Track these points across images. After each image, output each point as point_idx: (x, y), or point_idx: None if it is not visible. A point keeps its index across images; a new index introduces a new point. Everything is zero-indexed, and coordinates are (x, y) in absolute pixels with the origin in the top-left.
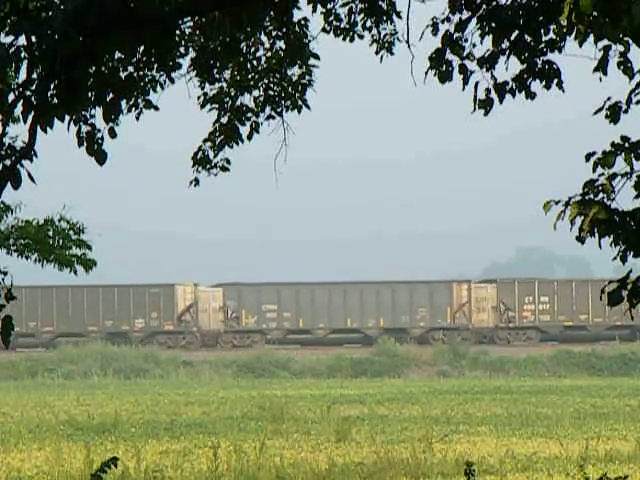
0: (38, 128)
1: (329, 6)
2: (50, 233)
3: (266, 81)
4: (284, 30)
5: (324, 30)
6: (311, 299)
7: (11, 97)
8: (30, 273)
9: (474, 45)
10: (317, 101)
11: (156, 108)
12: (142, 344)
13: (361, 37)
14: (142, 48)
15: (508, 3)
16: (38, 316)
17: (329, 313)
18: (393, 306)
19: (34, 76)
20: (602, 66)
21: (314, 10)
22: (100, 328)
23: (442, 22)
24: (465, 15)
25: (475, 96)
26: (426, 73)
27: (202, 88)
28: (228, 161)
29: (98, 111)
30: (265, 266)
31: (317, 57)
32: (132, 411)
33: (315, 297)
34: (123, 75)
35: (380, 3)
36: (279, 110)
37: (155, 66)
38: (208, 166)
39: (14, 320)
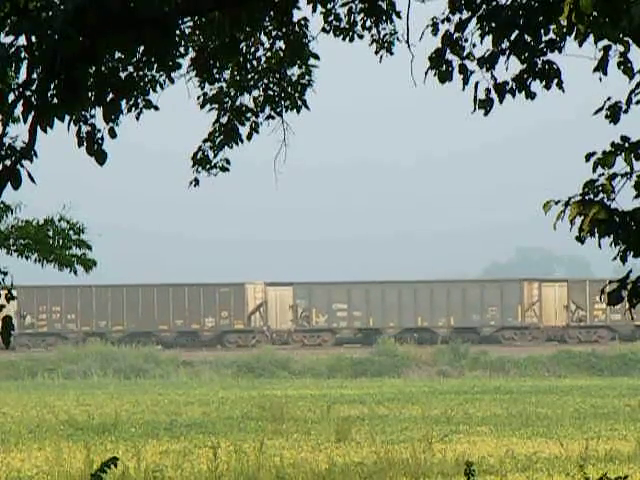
0: (38, 128)
1: (329, 6)
2: (50, 233)
3: (266, 81)
4: (284, 30)
5: (324, 30)
6: (381, 298)
7: (11, 97)
8: (30, 273)
9: (474, 45)
10: (316, 101)
11: (156, 108)
12: (213, 343)
13: (361, 37)
14: (142, 48)
15: (508, 3)
16: (108, 315)
17: (399, 312)
18: (463, 305)
19: (34, 76)
20: (602, 66)
21: (314, 10)
22: (170, 327)
23: (442, 22)
24: (465, 15)
25: (475, 96)
26: (426, 73)
27: (202, 88)
28: (228, 161)
29: (98, 111)
30: (268, 266)
31: (317, 57)
32: (132, 411)
33: (385, 296)
34: (123, 75)
35: (380, 3)
36: (279, 110)
37: (155, 66)
38: (208, 166)
39: (85, 318)
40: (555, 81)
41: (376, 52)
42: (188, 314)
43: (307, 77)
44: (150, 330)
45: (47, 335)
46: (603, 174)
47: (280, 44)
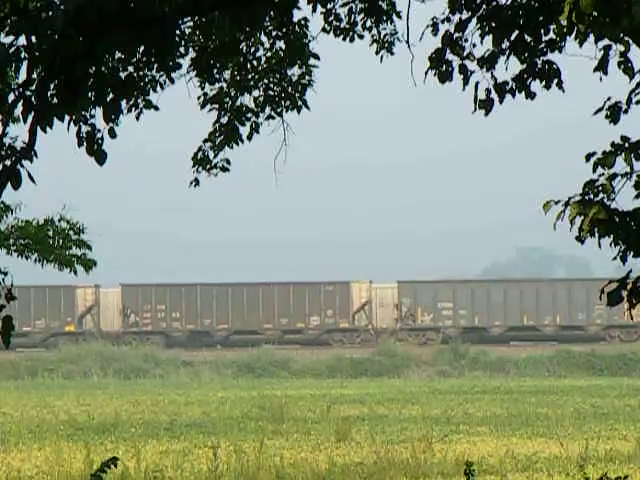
0: (38, 128)
1: (329, 6)
2: (50, 233)
3: (266, 81)
4: (284, 30)
5: (324, 30)
6: (487, 297)
7: (11, 97)
8: (30, 273)
9: (474, 45)
10: (316, 102)
11: (156, 108)
12: (318, 342)
13: (361, 37)
14: (142, 48)
15: (508, 3)
16: (213, 314)
17: (505, 311)
18: (569, 304)
19: (34, 76)
20: (602, 66)
21: (314, 10)
22: (275, 325)
23: (442, 22)
24: (465, 15)
25: (475, 96)
26: (426, 73)
27: (202, 88)
28: (228, 161)
29: (98, 111)
30: (269, 267)
31: (317, 57)
32: (132, 411)
33: (491, 295)
34: (123, 75)
35: (380, 3)
36: (279, 110)
37: (155, 66)
38: (208, 166)
39: (190, 317)
40: (555, 81)
41: (376, 52)
42: (293, 312)
43: (307, 77)
44: (255, 329)
45: (152, 334)
46: (603, 174)
47: (280, 44)
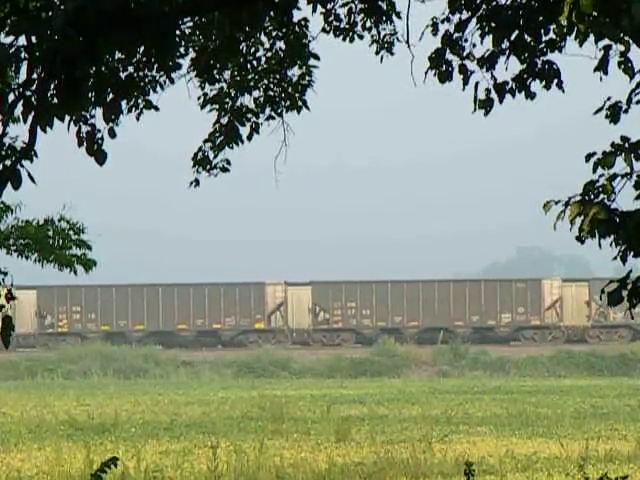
0: (38, 128)
1: (329, 6)
2: (50, 233)
3: (266, 81)
4: (284, 30)
5: (324, 30)
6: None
7: (11, 97)
8: (30, 273)
9: (474, 45)
10: (316, 102)
11: (156, 108)
12: (508, 339)
13: (361, 37)
14: (142, 48)
15: (508, 3)
16: (404, 311)
17: None
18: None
19: (34, 76)
20: (602, 66)
21: (314, 10)
22: (466, 323)
23: (442, 22)
24: (465, 15)
25: (475, 96)
26: (426, 73)
27: (202, 88)
28: (228, 162)
29: (98, 111)
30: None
31: (317, 57)
32: (132, 411)
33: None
34: (123, 75)
35: (380, 3)
36: (279, 111)
37: (155, 66)
38: (208, 167)
39: (380, 314)
40: (555, 81)
41: (376, 52)
42: (484, 310)
43: (307, 77)
44: (446, 326)
45: (343, 331)
46: (603, 175)
47: (280, 44)
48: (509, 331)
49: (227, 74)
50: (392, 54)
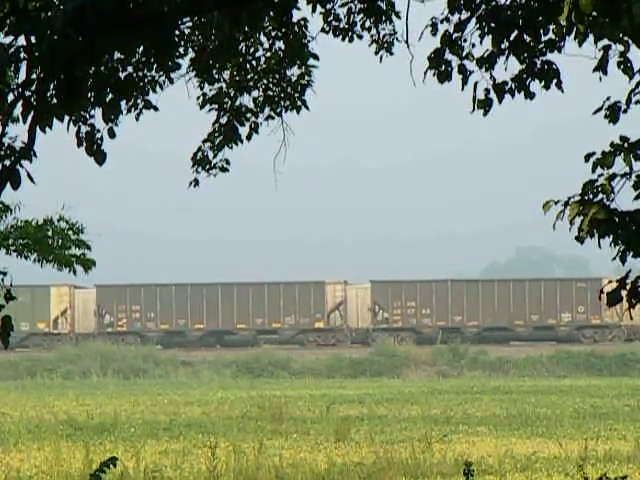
0: (38, 128)
1: (328, 6)
2: (49, 233)
3: (265, 81)
4: (284, 30)
5: (323, 30)
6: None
7: (11, 97)
8: (30, 273)
9: (473, 45)
10: (316, 102)
11: (155, 108)
12: (569, 338)
13: (360, 37)
14: (142, 48)
15: (507, 3)
16: (464, 310)
17: None
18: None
19: (34, 76)
20: (602, 66)
21: (313, 10)
22: (526, 322)
23: (441, 22)
24: (464, 15)
25: (474, 96)
26: (425, 73)
27: (201, 88)
28: (227, 162)
29: (98, 111)
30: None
31: (316, 57)
32: (131, 411)
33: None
34: (123, 75)
35: (379, 3)
36: (278, 110)
37: (155, 66)
38: (207, 167)
39: (441, 313)
40: (554, 81)
41: (376, 52)
42: (544, 309)
43: (307, 77)
44: (505, 325)
45: (402, 330)
46: (602, 174)
47: (280, 44)
48: (569, 330)
49: (226, 74)
50: (391, 54)
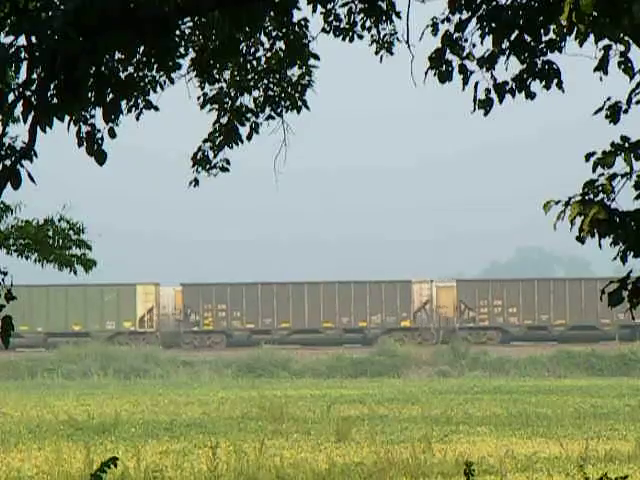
0: (38, 128)
1: (329, 6)
2: (50, 233)
3: (266, 81)
4: (284, 30)
5: (324, 30)
6: None
7: (11, 97)
8: (30, 273)
9: (474, 45)
10: (316, 102)
11: (156, 108)
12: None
13: (361, 37)
14: (142, 48)
15: (508, 3)
16: (550, 309)
17: None
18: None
19: (34, 76)
20: (602, 66)
21: (314, 10)
22: (613, 321)
23: (442, 22)
24: (465, 15)
25: (475, 96)
26: (426, 73)
27: (202, 88)
28: (228, 162)
29: (98, 111)
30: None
31: (317, 57)
32: (132, 411)
33: None
34: (123, 75)
35: (380, 3)
36: (279, 110)
37: (155, 66)
38: (208, 166)
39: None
40: (555, 81)
41: (376, 52)
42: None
43: (307, 77)
44: (592, 324)
45: (488, 329)
46: (603, 174)
47: (280, 44)
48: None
49: (227, 74)
50: (392, 54)
